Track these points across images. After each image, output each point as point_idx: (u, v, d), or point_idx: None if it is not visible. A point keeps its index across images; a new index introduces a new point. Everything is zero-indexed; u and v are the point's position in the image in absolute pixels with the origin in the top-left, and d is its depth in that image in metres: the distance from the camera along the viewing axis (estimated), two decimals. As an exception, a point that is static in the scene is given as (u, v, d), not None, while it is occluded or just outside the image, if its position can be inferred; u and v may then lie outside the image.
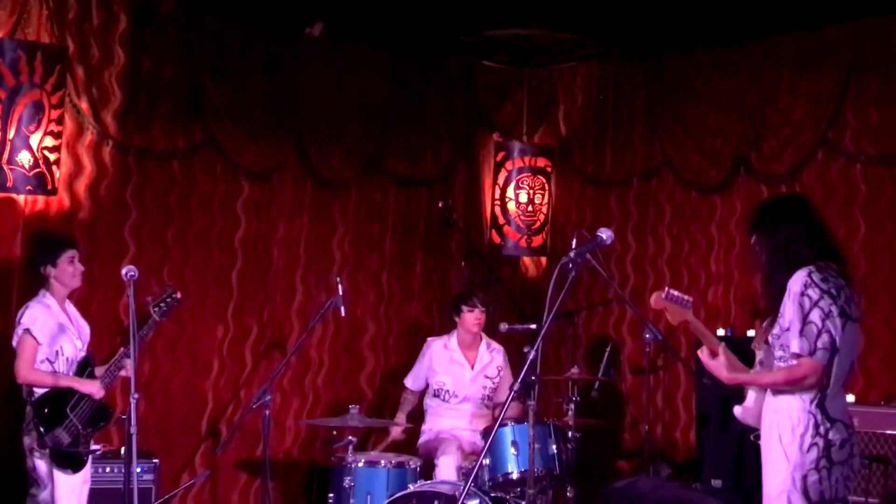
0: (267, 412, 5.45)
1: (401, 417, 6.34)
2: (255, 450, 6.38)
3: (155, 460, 5.62)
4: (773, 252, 3.91)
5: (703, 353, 4.02)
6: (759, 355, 4.07)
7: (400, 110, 7.12)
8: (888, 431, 5.41)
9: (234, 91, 6.42)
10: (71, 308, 5.24)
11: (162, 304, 5.20)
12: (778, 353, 3.91)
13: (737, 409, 4.12)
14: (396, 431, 6.23)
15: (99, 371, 5.17)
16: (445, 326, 6.81)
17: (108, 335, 5.85)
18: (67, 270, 5.13)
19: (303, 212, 6.81)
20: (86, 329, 5.27)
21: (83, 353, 5.18)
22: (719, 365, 3.97)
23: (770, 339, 3.93)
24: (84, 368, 5.15)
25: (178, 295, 5.27)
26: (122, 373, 5.08)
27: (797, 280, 3.82)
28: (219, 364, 6.48)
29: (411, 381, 6.40)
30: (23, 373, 5.01)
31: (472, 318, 6.18)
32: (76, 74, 5.90)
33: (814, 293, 3.78)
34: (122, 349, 5.10)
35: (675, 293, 3.99)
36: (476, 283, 7.30)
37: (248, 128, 6.47)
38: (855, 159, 6.27)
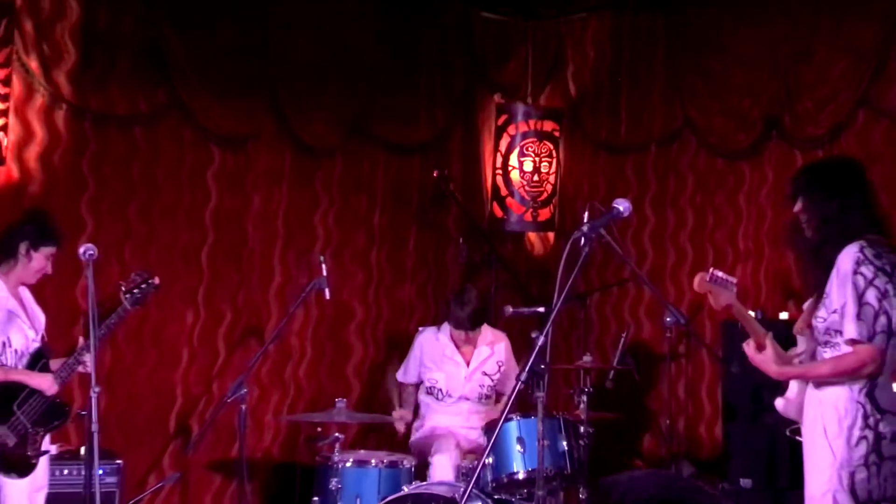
0: (243, 407, 5.44)
1: (405, 410, 6.35)
2: (231, 449, 6.39)
3: (118, 461, 5.61)
4: (823, 222, 3.89)
5: (748, 347, 4.00)
6: (801, 341, 4.05)
7: (389, 68, 7.08)
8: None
9: (202, 47, 6.37)
10: (25, 294, 5.20)
11: (135, 291, 5.16)
12: (823, 337, 3.89)
13: (778, 402, 4.11)
14: (399, 424, 6.25)
15: (55, 364, 5.13)
16: (442, 311, 6.80)
17: (64, 322, 5.82)
18: (40, 264, 5.09)
19: (281, 182, 6.78)
20: (40, 317, 5.23)
21: (37, 344, 5.14)
22: (767, 359, 3.95)
23: (814, 321, 3.91)
24: (37, 361, 5.11)
25: (156, 281, 5.23)
26: (81, 368, 5.05)
27: (848, 257, 3.80)
28: (188, 354, 6.47)
29: (403, 374, 6.41)
30: None
31: (457, 335, 6.17)
32: (24, 29, 5.84)
33: (868, 271, 3.76)
34: (81, 340, 5.07)
35: (720, 274, 3.98)
36: (475, 263, 7.29)
37: (218, 89, 6.44)
38: (900, 121, 6.26)
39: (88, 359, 4.87)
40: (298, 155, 6.83)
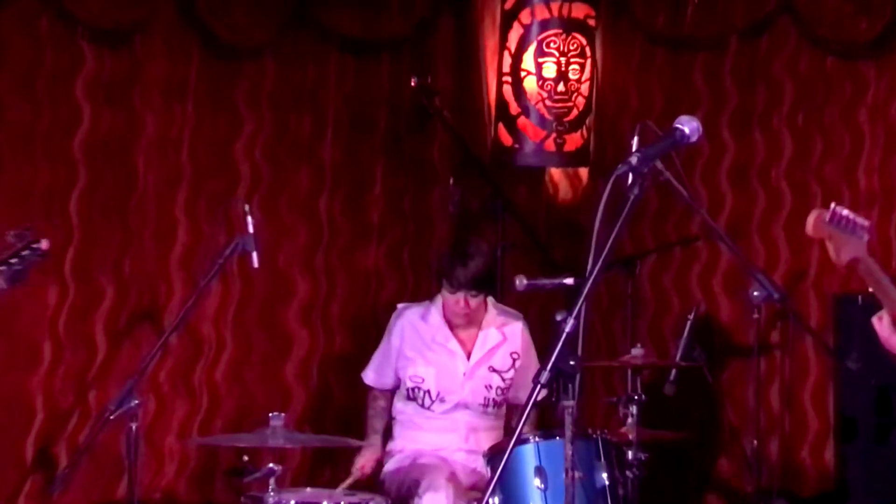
0: (134, 426, 5.46)
1: (374, 439, 6.35)
2: (116, 486, 6.47)
3: (-49, 507, 5.64)
4: None
5: (880, 323, 3.98)
6: None
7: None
8: None
9: None
10: None
11: (13, 261, 5.15)
12: None
13: None
14: (365, 462, 6.25)
15: None
16: (424, 284, 6.79)
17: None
18: None
19: (185, 97, 6.81)
20: None
21: None
22: None
23: None
24: None
25: (43, 245, 5.20)
26: None
27: None
28: (52, 349, 6.49)
29: (373, 375, 6.42)
30: None
31: (453, 304, 6.15)
32: None
33: None
34: None
35: (846, 213, 3.95)
36: (473, 213, 7.28)
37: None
38: None
39: None
40: (210, 56, 6.85)
